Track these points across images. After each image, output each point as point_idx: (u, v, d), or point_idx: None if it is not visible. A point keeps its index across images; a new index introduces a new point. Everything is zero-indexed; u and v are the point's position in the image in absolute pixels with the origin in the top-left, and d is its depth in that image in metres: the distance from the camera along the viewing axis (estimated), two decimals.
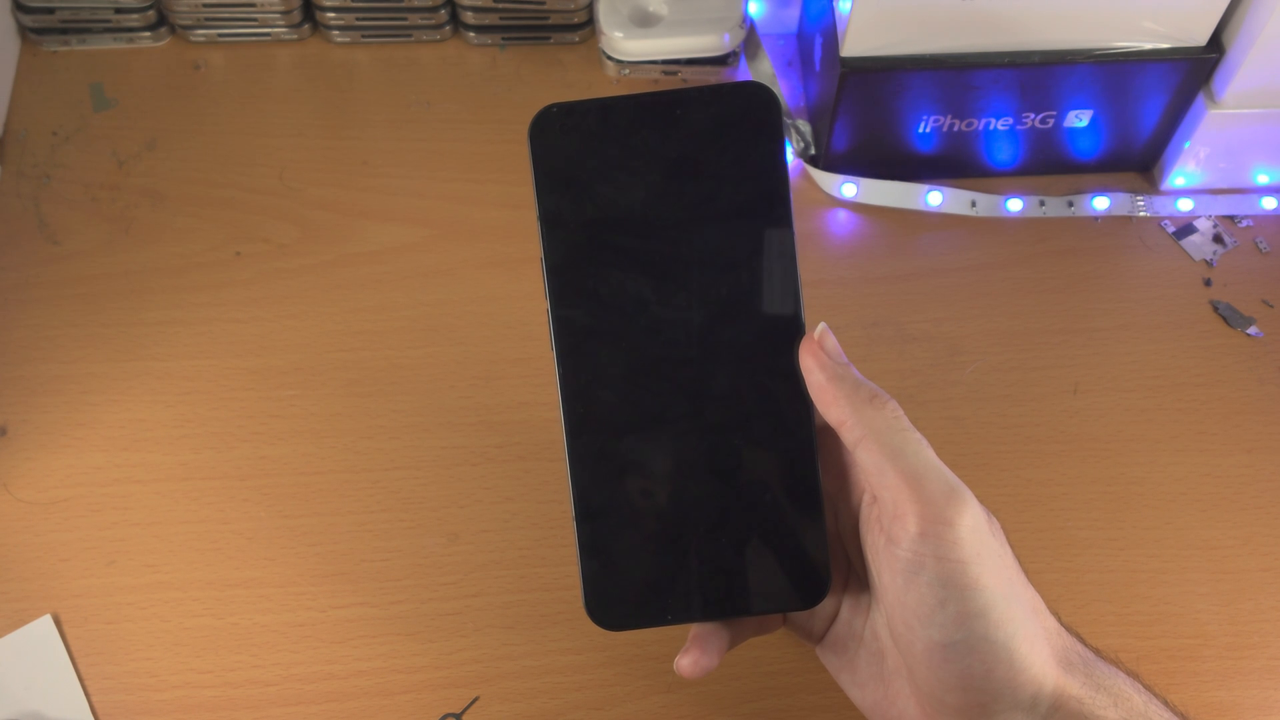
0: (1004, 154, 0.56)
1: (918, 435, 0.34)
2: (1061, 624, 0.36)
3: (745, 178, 0.36)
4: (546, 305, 0.36)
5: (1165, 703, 0.35)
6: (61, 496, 0.48)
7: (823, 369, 0.35)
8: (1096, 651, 0.36)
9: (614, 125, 0.36)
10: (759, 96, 0.36)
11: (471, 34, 0.61)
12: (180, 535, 0.47)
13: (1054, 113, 0.54)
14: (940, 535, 0.32)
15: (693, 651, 0.37)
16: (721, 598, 0.37)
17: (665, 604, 0.37)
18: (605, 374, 0.36)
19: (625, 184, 0.36)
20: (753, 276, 0.36)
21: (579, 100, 0.36)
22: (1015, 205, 0.56)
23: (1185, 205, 0.57)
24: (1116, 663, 0.36)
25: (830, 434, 0.36)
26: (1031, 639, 0.33)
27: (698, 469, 0.36)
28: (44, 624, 0.45)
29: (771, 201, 0.36)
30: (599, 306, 0.36)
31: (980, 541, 0.33)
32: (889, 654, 0.36)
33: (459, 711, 0.44)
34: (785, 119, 0.59)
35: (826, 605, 0.38)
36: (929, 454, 0.34)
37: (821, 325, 0.36)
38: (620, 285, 0.36)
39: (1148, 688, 0.35)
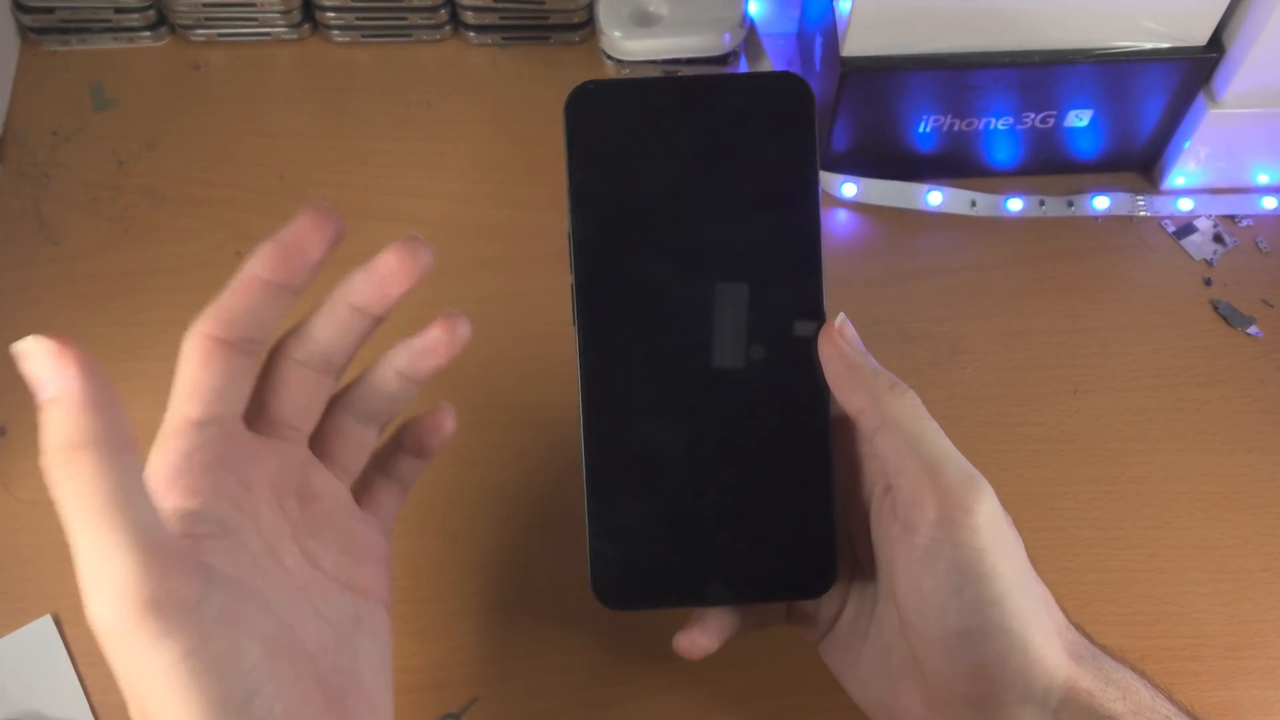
0: (1004, 154, 0.56)
1: (935, 424, 0.34)
2: (1069, 620, 0.36)
3: (776, 166, 0.36)
4: (570, 279, 0.36)
5: (1171, 699, 0.35)
6: None
7: (842, 357, 0.35)
8: (1103, 648, 0.36)
9: (650, 106, 0.36)
10: (794, 87, 0.36)
11: (471, 34, 0.61)
12: None
13: (1054, 112, 0.54)
14: (959, 522, 0.32)
15: (692, 631, 0.37)
16: (729, 583, 0.37)
17: (671, 587, 0.37)
18: (625, 353, 0.36)
19: (657, 164, 0.36)
20: (778, 264, 0.36)
21: (617, 79, 0.36)
22: (1015, 205, 0.56)
23: (1185, 205, 0.57)
24: (1123, 659, 0.36)
25: (841, 428, 0.36)
26: (1045, 630, 0.33)
27: (712, 453, 0.36)
28: (44, 624, 0.45)
29: (801, 190, 0.36)
30: (623, 284, 0.36)
31: (998, 530, 0.33)
32: (895, 650, 0.36)
33: (458, 711, 0.44)
34: None
35: (832, 602, 0.38)
36: (946, 443, 0.34)
37: (841, 315, 0.36)
38: (645, 264, 0.36)
39: (1154, 684, 0.35)
